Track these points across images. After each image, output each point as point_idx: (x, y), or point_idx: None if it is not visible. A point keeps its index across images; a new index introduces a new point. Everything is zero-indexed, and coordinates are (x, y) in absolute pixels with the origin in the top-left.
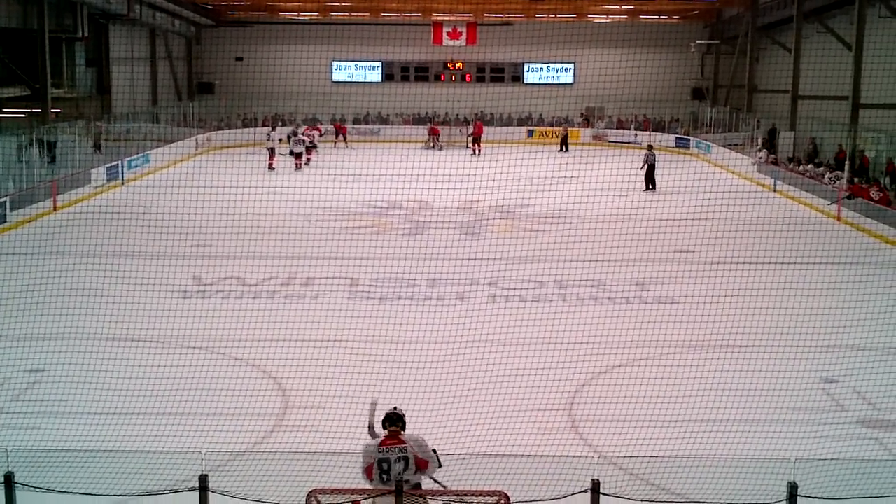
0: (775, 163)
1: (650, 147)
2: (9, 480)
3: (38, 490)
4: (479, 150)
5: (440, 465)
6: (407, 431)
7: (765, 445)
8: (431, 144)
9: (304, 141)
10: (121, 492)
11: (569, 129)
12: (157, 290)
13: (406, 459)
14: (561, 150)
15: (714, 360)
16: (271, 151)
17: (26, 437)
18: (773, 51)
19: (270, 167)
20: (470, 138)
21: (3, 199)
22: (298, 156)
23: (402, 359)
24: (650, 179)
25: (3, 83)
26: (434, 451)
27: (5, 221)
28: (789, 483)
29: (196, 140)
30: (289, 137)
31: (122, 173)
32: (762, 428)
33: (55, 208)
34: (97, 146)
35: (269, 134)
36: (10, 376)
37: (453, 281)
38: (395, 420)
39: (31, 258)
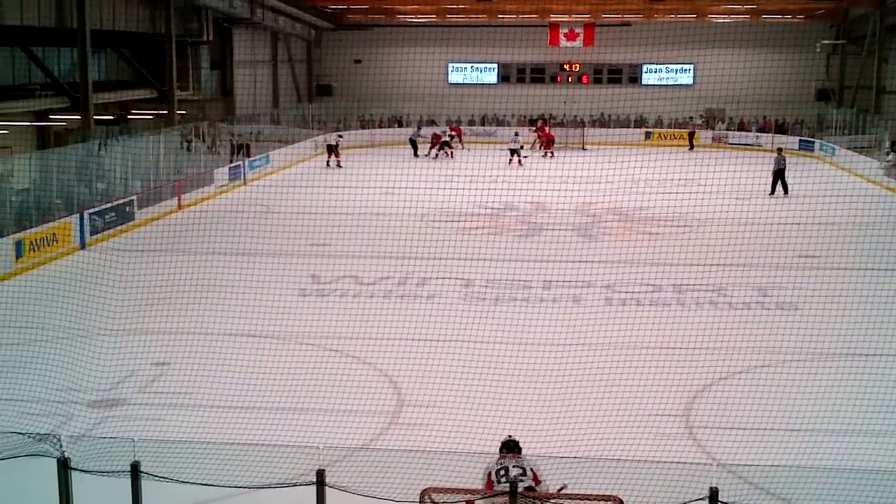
0: None
1: (780, 150)
2: (135, 469)
3: (161, 479)
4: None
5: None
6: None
7: (891, 457)
8: (538, 147)
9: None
10: (240, 484)
11: (696, 128)
12: (276, 287)
13: (523, 469)
14: (691, 148)
15: (837, 368)
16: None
17: (151, 428)
18: None
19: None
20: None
21: (131, 198)
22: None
23: (517, 360)
24: (781, 183)
25: (133, 86)
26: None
27: (133, 219)
28: None
29: (315, 141)
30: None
31: (244, 174)
32: (888, 440)
33: (180, 207)
34: (242, 148)
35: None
36: (137, 369)
37: (568, 283)
38: (511, 447)
39: (157, 255)
